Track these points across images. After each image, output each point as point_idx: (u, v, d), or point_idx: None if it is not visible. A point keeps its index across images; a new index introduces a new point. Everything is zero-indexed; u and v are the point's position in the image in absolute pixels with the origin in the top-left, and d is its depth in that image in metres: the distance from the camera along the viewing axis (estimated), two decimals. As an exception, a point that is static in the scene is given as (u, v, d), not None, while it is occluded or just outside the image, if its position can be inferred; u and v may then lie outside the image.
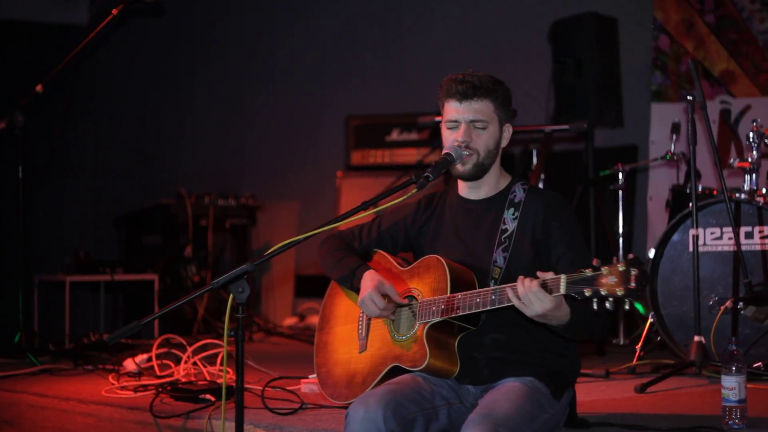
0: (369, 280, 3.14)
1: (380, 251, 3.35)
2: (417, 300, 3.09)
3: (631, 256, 2.61)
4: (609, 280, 2.58)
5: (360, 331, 3.27)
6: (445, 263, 3.03)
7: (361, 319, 3.28)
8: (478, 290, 2.92)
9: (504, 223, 3.09)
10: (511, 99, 3.16)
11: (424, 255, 3.17)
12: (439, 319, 2.98)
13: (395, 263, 3.28)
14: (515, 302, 2.74)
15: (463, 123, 3.08)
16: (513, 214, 3.09)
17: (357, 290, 3.18)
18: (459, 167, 3.09)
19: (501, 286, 2.85)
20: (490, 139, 3.09)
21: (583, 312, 2.84)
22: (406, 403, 2.88)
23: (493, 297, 2.85)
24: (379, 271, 3.23)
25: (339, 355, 3.32)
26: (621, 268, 2.58)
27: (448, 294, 2.97)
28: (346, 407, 2.97)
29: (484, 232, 3.12)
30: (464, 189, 3.21)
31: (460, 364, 3.02)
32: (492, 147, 3.10)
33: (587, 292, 2.61)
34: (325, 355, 3.38)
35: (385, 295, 3.12)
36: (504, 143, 3.15)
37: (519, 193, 3.14)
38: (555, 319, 2.76)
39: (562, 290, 2.66)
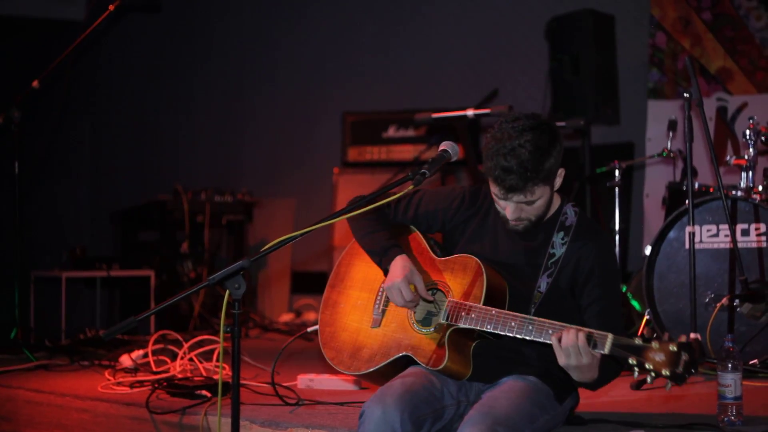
0: (400, 267, 3.05)
1: (417, 231, 3.24)
2: (446, 296, 3.02)
3: (683, 338, 2.56)
4: (656, 357, 2.57)
5: (377, 306, 3.18)
6: (484, 271, 2.96)
7: (380, 292, 3.20)
8: (514, 314, 2.84)
9: (552, 247, 3.01)
10: (560, 152, 2.91)
11: (455, 251, 3.10)
12: (468, 327, 2.92)
13: (429, 249, 3.19)
14: (555, 346, 2.70)
15: (509, 204, 2.94)
16: (562, 239, 3.01)
17: (385, 270, 3.10)
18: (510, 224, 2.98)
19: (541, 319, 2.79)
20: (542, 206, 2.96)
21: (607, 373, 2.84)
22: (421, 405, 2.86)
23: (530, 327, 2.79)
24: (411, 253, 3.16)
25: (348, 321, 3.23)
26: (672, 348, 2.55)
27: (482, 304, 2.91)
28: (343, 373, 3.01)
29: (531, 253, 3.03)
30: None
31: (472, 367, 2.99)
32: (544, 209, 2.98)
33: (631, 360, 2.60)
34: (333, 315, 3.28)
35: (412, 286, 3.05)
36: (557, 187, 3.00)
37: (570, 216, 3.04)
38: (582, 376, 2.73)
39: (606, 350, 2.64)
